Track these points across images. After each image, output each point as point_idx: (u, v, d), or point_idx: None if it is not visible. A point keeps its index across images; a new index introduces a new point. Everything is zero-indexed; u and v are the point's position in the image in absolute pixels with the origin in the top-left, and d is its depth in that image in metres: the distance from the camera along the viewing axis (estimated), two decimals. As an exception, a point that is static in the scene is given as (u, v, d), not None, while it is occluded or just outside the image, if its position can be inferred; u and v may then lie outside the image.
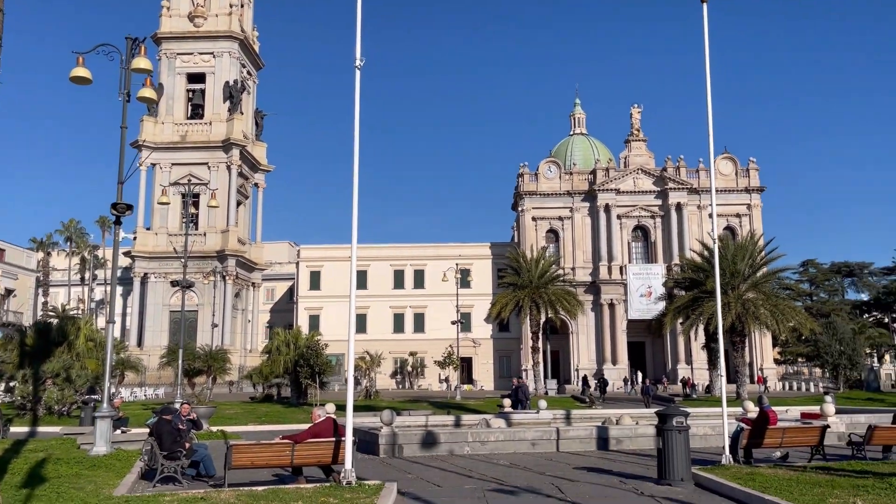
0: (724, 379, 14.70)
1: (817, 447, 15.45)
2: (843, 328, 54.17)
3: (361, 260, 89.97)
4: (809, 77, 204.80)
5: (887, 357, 66.91)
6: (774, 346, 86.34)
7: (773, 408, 30.73)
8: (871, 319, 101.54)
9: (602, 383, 53.59)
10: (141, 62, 17.22)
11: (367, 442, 18.36)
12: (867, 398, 46.99)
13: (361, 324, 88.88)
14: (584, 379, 54.25)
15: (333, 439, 12.30)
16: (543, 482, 13.32)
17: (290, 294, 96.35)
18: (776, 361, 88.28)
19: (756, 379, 75.20)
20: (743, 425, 15.12)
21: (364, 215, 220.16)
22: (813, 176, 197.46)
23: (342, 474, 11.72)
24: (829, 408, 21.71)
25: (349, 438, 11.82)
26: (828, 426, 15.43)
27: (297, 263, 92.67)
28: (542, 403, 28.24)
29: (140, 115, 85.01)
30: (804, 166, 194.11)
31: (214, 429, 24.27)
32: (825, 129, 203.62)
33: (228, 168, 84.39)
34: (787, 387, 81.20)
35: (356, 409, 35.89)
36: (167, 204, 65.44)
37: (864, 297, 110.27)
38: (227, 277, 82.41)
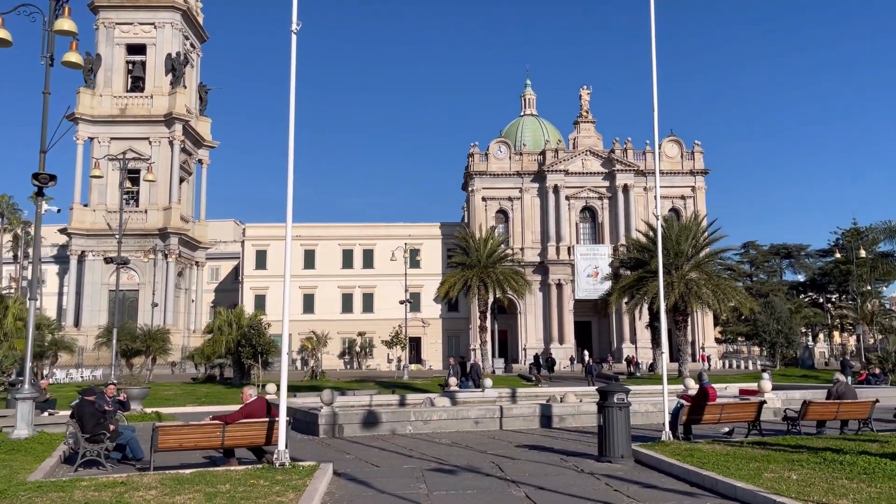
0: (665, 357, 14.70)
1: (754, 423, 15.63)
2: (781, 308, 55.74)
3: (309, 239, 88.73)
4: (756, 62, 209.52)
5: (821, 336, 69.31)
6: (716, 325, 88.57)
7: (714, 385, 31.44)
8: (806, 300, 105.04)
9: (550, 362, 53.99)
10: (64, 24, 16.19)
11: (306, 422, 17.92)
12: (802, 375, 48.61)
13: (309, 304, 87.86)
14: (536, 357, 54.54)
15: (266, 420, 11.84)
16: (484, 461, 13.12)
17: (236, 273, 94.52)
18: (717, 340, 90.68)
19: (699, 357, 77.08)
20: (683, 402, 15.18)
21: (313, 195, 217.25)
22: (755, 160, 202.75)
23: (275, 455, 11.28)
24: (766, 384, 22.13)
25: (283, 418, 11.37)
26: (764, 402, 15.61)
27: (243, 242, 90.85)
28: (488, 382, 28.18)
29: (77, 86, 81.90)
30: (747, 150, 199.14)
31: (149, 410, 23.46)
32: (770, 115, 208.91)
33: (171, 143, 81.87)
34: (727, 365, 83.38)
35: (300, 389, 35.40)
36: (100, 178, 62.79)
37: (801, 278, 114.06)
38: (169, 256, 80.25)
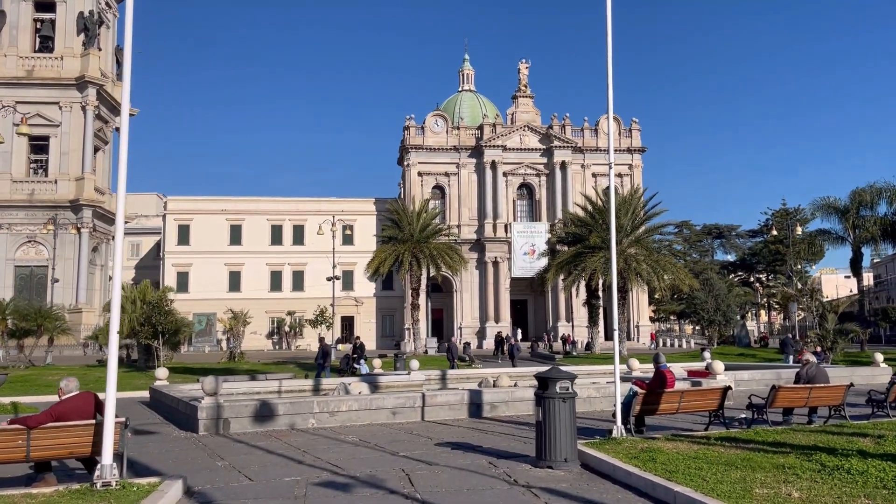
0: (617, 334, 12.18)
1: (717, 412, 13.33)
2: (719, 285, 54.89)
3: (235, 214, 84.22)
4: (697, 36, 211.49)
5: (749, 315, 69.31)
6: (649, 304, 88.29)
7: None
8: (736, 279, 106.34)
9: (501, 342, 50.77)
10: None
11: (187, 416, 14.81)
12: (739, 353, 47.56)
13: (235, 281, 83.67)
14: (498, 338, 51.58)
15: (93, 422, 8.77)
16: (392, 467, 10.34)
17: (158, 249, 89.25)
18: (650, 319, 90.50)
19: (649, 336, 76.58)
20: (637, 389, 12.73)
21: (244, 171, 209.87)
22: (690, 141, 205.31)
23: (97, 472, 8.23)
24: (718, 365, 20.05)
25: (109, 420, 8.32)
26: (730, 387, 13.34)
27: (164, 216, 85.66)
28: (414, 363, 25.43)
29: (-24, 44, 74.97)
30: (683, 130, 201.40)
31: (6, 400, 19.86)
32: (706, 94, 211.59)
33: (83, 109, 75.73)
34: (661, 343, 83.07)
35: (211, 372, 31.91)
36: (1, 143, 57.16)
37: (731, 257, 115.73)
38: (81, 229, 74.50)
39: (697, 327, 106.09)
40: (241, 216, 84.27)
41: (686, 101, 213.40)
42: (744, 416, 14.32)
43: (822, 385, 14.26)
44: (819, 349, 36.81)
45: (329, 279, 51.19)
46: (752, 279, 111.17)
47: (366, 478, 9.64)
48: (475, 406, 16.56)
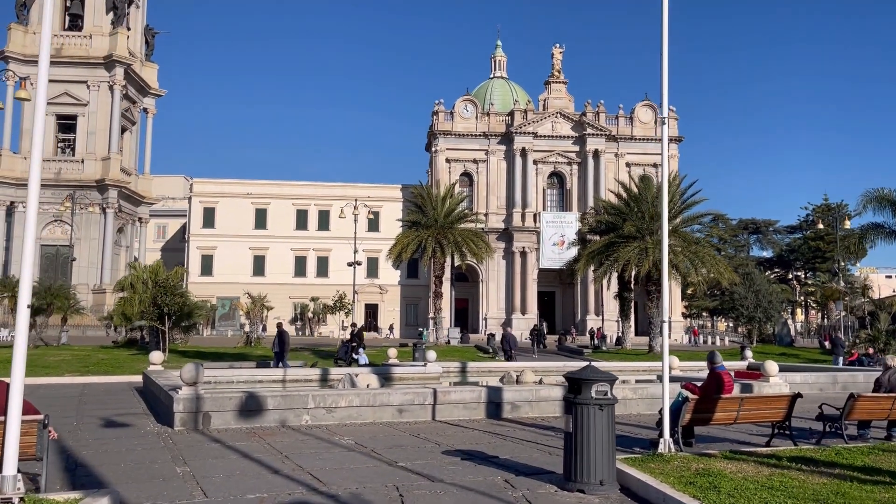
0: (667, 328, 10.05)
1: (783, 423, 11.14)
2: (760, 281, 52.08)
3: (261, 197, 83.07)
4: (744, 31, 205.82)
5: (798, 312, 66.23)
6: (682, 299, 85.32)
7: (688, 363, 27.10)
8: (773, 276, 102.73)
9: (538, 335, 48.30)
10: None
11: (166, 408, 13.03)
12: (780, 353, 44.87)
13: (260, 266, 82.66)
14: (535, 331, 49.33)
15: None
16: (385, 484, 8.38)
17: (184, 232, 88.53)
18: (682, 315, 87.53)
19: (693, 332, 73.93)
20: (687, 393, 10.60)
21: (274, 158, 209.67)
22: (728, 133, 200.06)
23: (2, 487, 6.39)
24: (772, 366, 17.71)
25: (13, 420, 6.46)
26: (800, 395, 11.12)
27: (190, 198, 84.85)
28: (431, 355, 23.46)
29: (8, 21, 74.72)
30: (722, 123, 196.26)
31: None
32: (748, 87, 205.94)
33: (111, 88, 74.97)
34: (692, 341, 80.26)
35: (223, 357, 30.32)
36: (27, 100, 56.04)
37: (768, 254, 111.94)
38: (107, 210, 73.87)
39: (731, 325, 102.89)
40: (267, 200, 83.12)
41: (723, 93, 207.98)
42: (806, 427, 12.15)
43: (909, 394, 11.97)
44: (871, 350, 34.14)
45: (350, 264, 49.42)
46: (790, 276, 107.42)
47: (347, 498, 7.68)
48: (494, 405, 14.55)
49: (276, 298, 73.57)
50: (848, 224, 50.33)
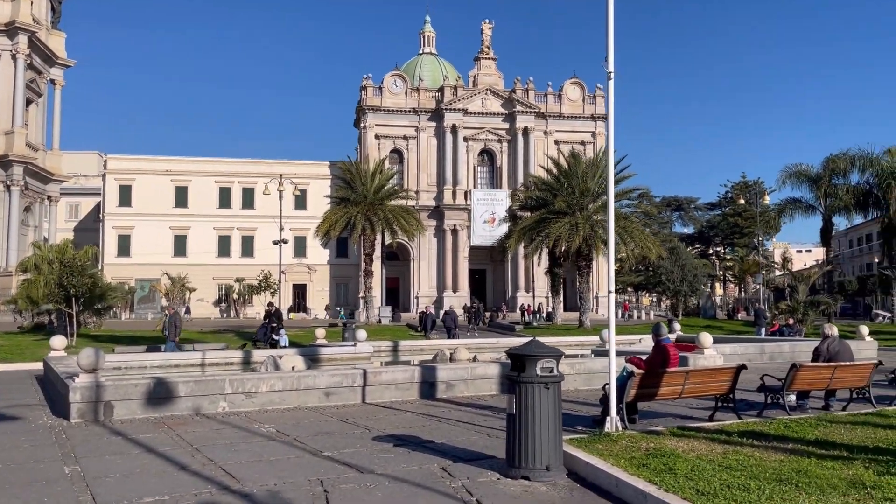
0: (612, 297, 9.40)
1: (726, 395, 10.76)
2: (686, 255, 53.07)
3: (182, 174, 79.71)
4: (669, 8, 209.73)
5: (717, 286, 68.22)
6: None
7: (621, 336, 27.01)
8: (694, 252, 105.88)
9: (476, 312, 47.49)
10: None
11: (63, 397, 11.68)
12: (705, 325, 45.81)
13: (181, 246, 79.46)
14: (473, 308, 48.38)
15: None
16: (309, 477, 7.46)
17: (98, 211, 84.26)
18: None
19: (624, 307, 74.90)
20: (632, 367, 10.05)
21: (191, 134, 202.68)
22: (650, 112, 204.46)
23: None
24: (706, 338, 17.57)
25: None
26: (744, 367, 10.75)
27: (104, 175, 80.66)
28: (361, 334, 22.53)
29: None
30: (644, 102, 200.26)
31: None
32: (671, 66, 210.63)
33: (13, 57, 69.93)
34: (623, 315, 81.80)
35: (139, 341, 28.57)
36: None
37: (689, 230, 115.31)
38: (12, 187, 69.28)
39: (654, 299, 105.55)
40: (188, 177, 79.86)
41: (651, 73, 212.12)
42: (745, 399, 11.87)
43: (848, 364, 11.81)
44: (792, 321, 35.06)
45: (276, 243, 47.72)
46: (710, 252, 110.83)
47: (264, 497, 6.73)
48: (428, 385, 13.76)
49: (198, 279, 70.94)
50: (767, 200, 51.76)
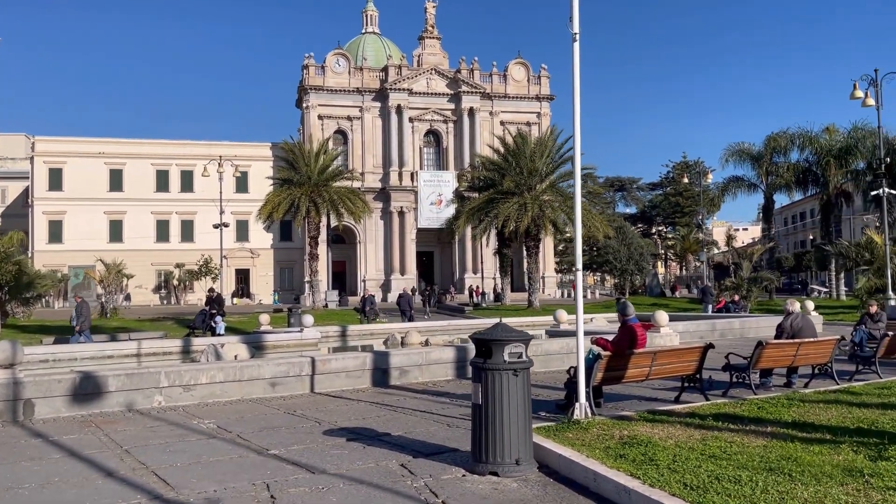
0: (580, 275, 8.82)
1: (693, 376, 10.37)
2: (632, 235, 53.41)
3: (116, 157, 76.53)
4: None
5: (660, 265, 69.25)
6: (554, 255, 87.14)
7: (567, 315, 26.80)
8: (637, 231, 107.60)
9: (429, 294, 46.62)
10: None
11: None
12: (652, 303, 46.29)
13: (117, 231, 76.49)
14: (426, 290, 47.40)
15: None
16: (253, 481, 6.69)
17: (27, 196, 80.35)
18: (555, 271, 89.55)
19: (544, 287, 74.82)
20: (598, 349, 9.53)
21: (126, 115, 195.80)
22: (594, 92, 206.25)
23: None
24: (662, 316, 17.34)
25: None
26: (711, 346, 10.37)
27: (32, 158, 76.81)
28: (308, 319, 21.62)
29: None
30: (591, 81, 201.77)
31: None
32: (613, 46, 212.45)
33: (-74, 34, 65.77)
34: (565, 294, 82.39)
35: (67, 331, 26.92)
36: None
37: (632, 210, 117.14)
38: (-70, 171, 65.49)
39: (599, 279, 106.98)
40: (122, 160, 76.72)
41: (594, 56, 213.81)
42: (706, 378, 11.53)
43: (811, 340, 11.58)
44: (737, 298, 35.54)
45: (216, 226, 46.05)
46: (652, 231, 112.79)
47: (201, 507, 5.95)
48: (380, 372, 13.06)
49: (136, 266, 68.42)
50: (710, 178, 52.48)
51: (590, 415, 8.47)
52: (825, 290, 65.71)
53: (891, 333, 12.50)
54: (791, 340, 11.45)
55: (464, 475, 6.77)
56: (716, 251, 71.29)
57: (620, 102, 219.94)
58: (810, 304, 26.74)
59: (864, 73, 29.65)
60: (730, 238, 48.32)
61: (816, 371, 11.96)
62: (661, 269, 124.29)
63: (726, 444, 6.92)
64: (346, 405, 11.03)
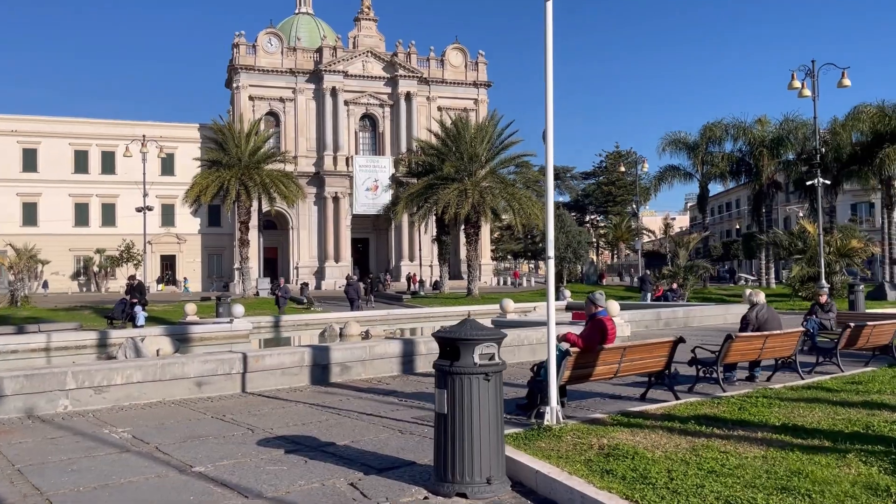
0: (551, 263, 7.94)
1: (662, 371, 9.66)
2: (571, 223, 53.37)
3: (30, 135, 72.06)
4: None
5: (591, 253, 69.84)
6: (489, 242, 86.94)
7: (515, 303, 26.18)
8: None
9: (372, 283, 44.87)
10: None
11: None
12: (589, 291, 46.31)
13: (31, 214, 72.22)
14: (368, 278, 45.62)
15: None
16: (174, 510, 5.54)
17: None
18: (490, 258, 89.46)
19: (513, 274, 74.66)
20: (566, 346, 8.68)
21: (43, 94, 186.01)
22: (530, 81, 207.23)
23: None
24: (614, 306, 16.69)
25: None
26: (682, 340, 9.68)
27: (-66, 135, 71.65)
28: (238, 309, 20.19)
29: None
30: (525, 70, 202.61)
31: None
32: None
33: None
34: (501, 282, 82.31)
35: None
36: None
37: (565, 199, 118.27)
38: None
39: (533, 266, 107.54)
40: (37, 139, 72.33)
41: (526, 42, 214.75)
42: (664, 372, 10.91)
43: (778, 333, 11.05)
44: (675, 286, 35.68)
45: (139, 210, 43.56)
46: (585, 220, 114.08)
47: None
48: (320, 368, 11.93)
49: (53, 251, 64.64)
50: (646, 167, 52.90)
51: (561, 419, 7.61)
52: (752, 278, 67.57)
53: (853, 325, 12.14)
54: (758, 333, 10.90)
55: (426, 497, 5.79)
56: (646, 240, 72.31)
57: (556, 90, 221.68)
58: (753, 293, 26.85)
59: (802, 64, 29.88)
60: (667, 226, 48.75)
61: (779, 364, 11.48)
62: (592, 258, 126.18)
63: (721, 455, 6.16)
64: (283, 407, 9.89)
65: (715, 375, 10.26)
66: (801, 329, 11.68)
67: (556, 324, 11.39)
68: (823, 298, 15.82)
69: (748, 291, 12.04)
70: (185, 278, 73.88)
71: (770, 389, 9.92)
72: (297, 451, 7.35)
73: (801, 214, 58.80)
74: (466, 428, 5.76)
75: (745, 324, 11.55)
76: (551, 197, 7.97)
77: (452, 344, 5.90)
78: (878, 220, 67.20)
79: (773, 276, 49.56)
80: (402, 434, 8.04)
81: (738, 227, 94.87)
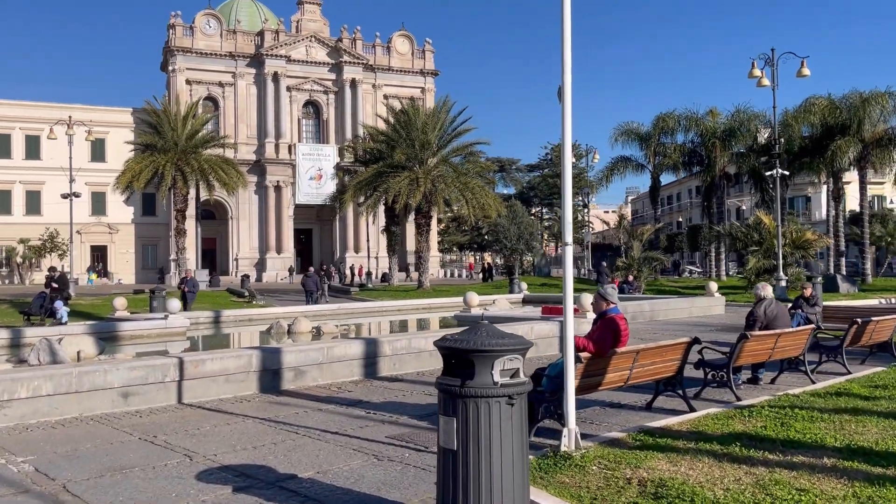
0: (569, 250, 6.51)
1: (674, 377, 8.41)
2: (522, 214, 52.45)
3: (-56, 118, 67.32)
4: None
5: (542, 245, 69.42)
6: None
7: (481, 295, 24.87)
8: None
9: (326, 275, 42.54)
10: None
11: None
12: (542, 283, 45.48)
13: (-51, 202, 67.62)
14: (321, 270, 43.44)
15: None
16: None
17: None
18: (437, 250, 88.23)
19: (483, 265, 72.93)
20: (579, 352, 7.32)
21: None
22: (476, 71, 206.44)
23: None
24: (588, 300, 15.54)
25: None
26: (697, 340, 8.46)
27: None
28: (174, 304, 18.24)
29: None
30: (471, 59, 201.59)
31: None
32: (497, 21, 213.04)
33: None
34: (448, 274, 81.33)
35: None
36: None
37: (510, 191, 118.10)
38: None
39: (477, 258, 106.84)
40: (-47, 121, 67.58)
41: (471, 30, 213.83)
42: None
43: (790, 331, 9.95)
44: (631, 277, 35.00)
45: (65, 196, 40.56)
46: (531, 212, 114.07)
47: None
48: (271, 374, 10.30)
49: (-31, 241, 60.57)
50: (597, 158, 52.36)
51: (581, 444, 6.24)
52: (698, 270, 68.11)
53: (859, 321, 11.16)
54: (770, 332, 9.78)
55: (430, 563, 4.34)
56: (592, 233, 72.30)
57: (503, 81, 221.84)
58: (713, 286, 26.29)
59: (762, 53, 29.38)
60: (621, 219, 48.36)
61: (787, 365, 10.40)
62: (544, 250, 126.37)
63: (800, 495, 4.87)
64: (229, 424, 8.24)
65: (725, 379, 9.07)
66: (812, 326, 10.65)
67: (524, 319, 10.02)
68: (809, 291, 14.94)
69: (759, 284, 10.89)
70: (94, 271, 69.78)
71: (791, 396, 8.78)
72: (248, 488, 5.76)
73: (744, 207, 59.31)
74: (484, 469, 4.31)
75: (751, 321, 10.41)
76: (569, 169, 6.54)
77: (463, 356, 4.42)
78: (815, 214, 68.59)
79: (723, 268, 49.66)
80: (380, 461, 6.53)
81: (680, 219, 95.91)
